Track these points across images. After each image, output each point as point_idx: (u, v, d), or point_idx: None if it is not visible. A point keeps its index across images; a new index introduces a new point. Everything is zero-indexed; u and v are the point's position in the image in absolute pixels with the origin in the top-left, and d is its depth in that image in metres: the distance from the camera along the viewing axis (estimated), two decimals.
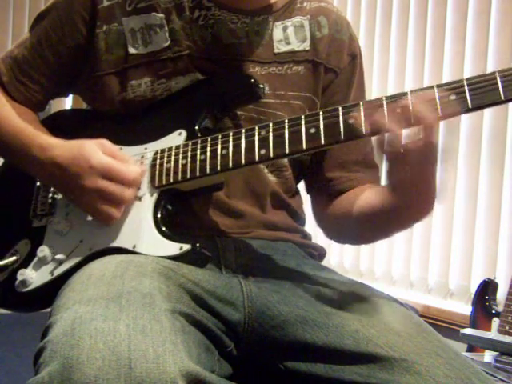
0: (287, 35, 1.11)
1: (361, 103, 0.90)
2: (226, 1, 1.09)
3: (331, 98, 1.16)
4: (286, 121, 0.95)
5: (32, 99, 1.15)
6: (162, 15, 1.08)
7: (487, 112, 2.35)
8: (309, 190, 1.23)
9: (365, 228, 1.10)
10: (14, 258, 1.10)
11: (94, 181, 0.98)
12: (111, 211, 1.00)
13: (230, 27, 1.08)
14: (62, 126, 1.18)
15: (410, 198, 0.93)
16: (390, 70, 2.72)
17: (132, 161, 1.03)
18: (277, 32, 1.11)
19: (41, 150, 1.05)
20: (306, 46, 1.13)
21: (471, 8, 2.44)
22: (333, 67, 1.15)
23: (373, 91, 2.70)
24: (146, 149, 1.06)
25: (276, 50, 1.11)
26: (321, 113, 0.93)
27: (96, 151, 1.00)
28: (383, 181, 0.99)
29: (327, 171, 1.16)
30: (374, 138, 0.89)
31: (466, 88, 0.84)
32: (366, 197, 1.09)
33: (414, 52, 2.63)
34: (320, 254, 1.20)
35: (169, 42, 1.07)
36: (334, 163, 1.16)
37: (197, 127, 1.04)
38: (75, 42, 1.10)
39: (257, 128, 0.96)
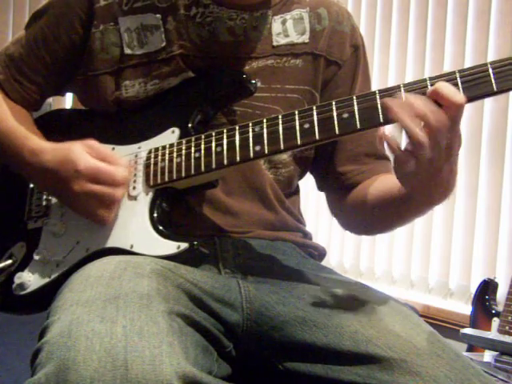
0: (286, 28, 1.10)
1: (354, 97, 0.90)
2: None
3: (335, 91, 1.14)
4: (280, 116, 0.94)
5: (28, 98, 1.15)
6: (158, 16, 1.07)
7: (487, 112, 2.35)
8: (321, 187, 1.23)
9: (381, 216, 1.09)
10: (9, 261, 1.10)
11: (82, 185, 0.98)
12: (103, 213, 1.00)
13: (229, 25, 1.07)
14: (55, 125, 1.17)
15: (424, 188, 0.91)
16: (390, 70, 2.71)
17: (120, 159, 1.02)
18: (275, 26, 1.10)
19: (31, 153, 1.05)
20: (306, 38, 1.12)
21: (471, 8, 2.43)
22: (335, 59, 1.14)
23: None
24: (139, 148, 1.05)
25: (275, 43, 1.10)
26: (314, 108, 0.92)
27: (82, 154, 1.00)
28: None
29: (338, 165, 1.15)
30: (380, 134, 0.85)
31: (459, 80, 0.84)
32: (380, 185, 1.09)
33: (415, 52, 2.63)
34: (320, 253, 1.20)
35: (164, 44, 1.07)
36: (344, 157, 1.15)
37: (190, 125, 1.03)
38: (71, 41, 1.10)
39: (250, 124, 0.96)
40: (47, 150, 1.04)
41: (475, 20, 2.42)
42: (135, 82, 1.07)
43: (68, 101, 3.02)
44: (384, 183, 1.08)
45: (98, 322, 0.76)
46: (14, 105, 1.14)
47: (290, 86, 1.10)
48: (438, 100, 0.82)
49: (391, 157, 0.88)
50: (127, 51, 1.07)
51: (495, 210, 2.35)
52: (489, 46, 2.36)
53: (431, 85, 0.85)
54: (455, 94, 0.82)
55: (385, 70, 2.72)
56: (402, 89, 0.87)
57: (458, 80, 0.83)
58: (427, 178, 0.88)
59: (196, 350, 0.82)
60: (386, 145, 0.84)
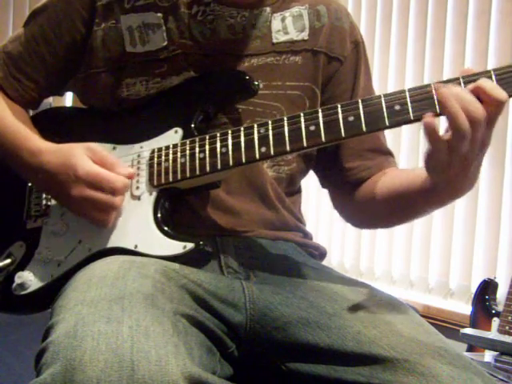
0: (285, 25, 1.11)
1: (359, 100, 0.90)
2: None
3: (338, 87, 1.15)
4: (285, 118, 0.95)
5: (27, 97, 1.14)
6: (160, 14, 1.07)
7: None
8: (324, 184, 1.23)
9: (398, 210, 1.09)
10: (8, 260, 1.09)
11: (81, 190, 0.98)
12: (101, 218, 0.99)
13: (229, 22, 1.07)
14: (55, 122, 1.16)
15: (452, 181, 0.91)
16: (390, 70, 2.72)
17: (121, 164, 1.02)
18: (275, 23, 1.10)
19: (30, 154, 1.04)
20: (305, 35, 1.12)
21: (471, 8, 2.43)
22: (336, 55, 1.14)
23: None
24: (141, 147, 1.05)
25: (274, 40, 1.10)
26: (320, 110, 0.93)
27: (83, 159, 0.99)
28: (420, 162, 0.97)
29: (344, 161, 1.16)
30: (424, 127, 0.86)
31: (463, 86, 0.85)
32: (398, 180, 1.08)
33: (414, 52, 2.63)
34: (321, 253, 1.20)
35: (166, 42, 1.06)
36: (348, 153, 1.15)
37: (193, 125, 1.03)
38: (72, 39, 1.09)
39: (255, 126, 0.96)
40: (46, 150, 1.03)
41: (475, 20, 2.42)
42: (136, 80, 1.07)
43: (68, 100, 3.02)
44: (402, 177, 1.07)
45: (103, 323, 0.76)
46: (12, 103, 1.13)
47: (291, 83, 1.10)
48: (479, 96, 0.84)
49: (428, 146, 0.88)
50: (129, 49, 1.07)
51: (496, 210, 2.35)
52: (489, 45, 2.37)
53: (436, 89, 0.85)
54: (498, 90, 0.83)
55: (385, 69, 2.72)
56: (407, 93, 0.88)
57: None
58: (458, 171, 0.88)
59: (200, 351, 0.82)
60: (426, 133, 0.85)
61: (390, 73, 2.72)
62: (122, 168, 1.01)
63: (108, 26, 1.07)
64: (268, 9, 1.10)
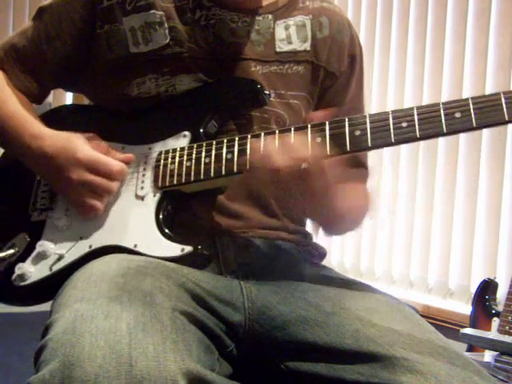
0: (289, 34, 1.12)
1: (367, 115, 0.91)
2: (226, 0, 1.09)
3: (333, 99, 1.17)
4: (292, 129, 0.95)
5: (27, 92, 1.15)
6: (161, 13, 1.08)
7: None
8: None
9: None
10: (12, 250, 1.09)
11: (80, 174, 1.00)
12: (95, 203, 1.01)
13: (231, 27, 1.08)
14: (63, 121, 1.17)
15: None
16: (390, 70, 2.72)
17: (117, 153, 1.04)
18: (279, 31, 1.11)
19: (32, 138, 1.06)
20: (307, 46, 1.13)
21: (471, 8, 2.43)
22: (333, 71, 1.16)
23: (373, 91, 2.70)
24: (149, 149, 1.06)
25: (278, 49, 1.11)
26: (327, 123, 0.93)
27: (83, 144, 1.02)
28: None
29: None
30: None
31: (472, 106, 0.85)
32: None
33: (414, 52, 2.63)
34: (320, 253, 1.20)
35: (168, 40, 1.07)
36: None
37: (202, 130, 1.04)
38: (73, 40, 1.11)
39: (262, 135, 0.97)
40: (48, 135, 1.05)
41: (475, 20, 2.42)
42: (145, 78, 1.08)
43: (69, 97, 3.03)
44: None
45: (102, 319, 0.76)
46: (16, 90, 1.15)
47: (292, 93, 1.12)
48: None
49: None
50: (133, 50, 1.08)
51: (495, 210, 2.35)
52: (489, 45, 2.37)
53: (444, 109, 0.86)
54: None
55: (385, 69, 2.72)
56: (415, 111, 0.88)
57: (471, 107, 0.84)
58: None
59: (199, 348, 0.82)
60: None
61: (390, 72, 2.72)
62: (119, 153, 1.04)
63: (111, 29, 1.08)
64: (270, 16, 1.11)
